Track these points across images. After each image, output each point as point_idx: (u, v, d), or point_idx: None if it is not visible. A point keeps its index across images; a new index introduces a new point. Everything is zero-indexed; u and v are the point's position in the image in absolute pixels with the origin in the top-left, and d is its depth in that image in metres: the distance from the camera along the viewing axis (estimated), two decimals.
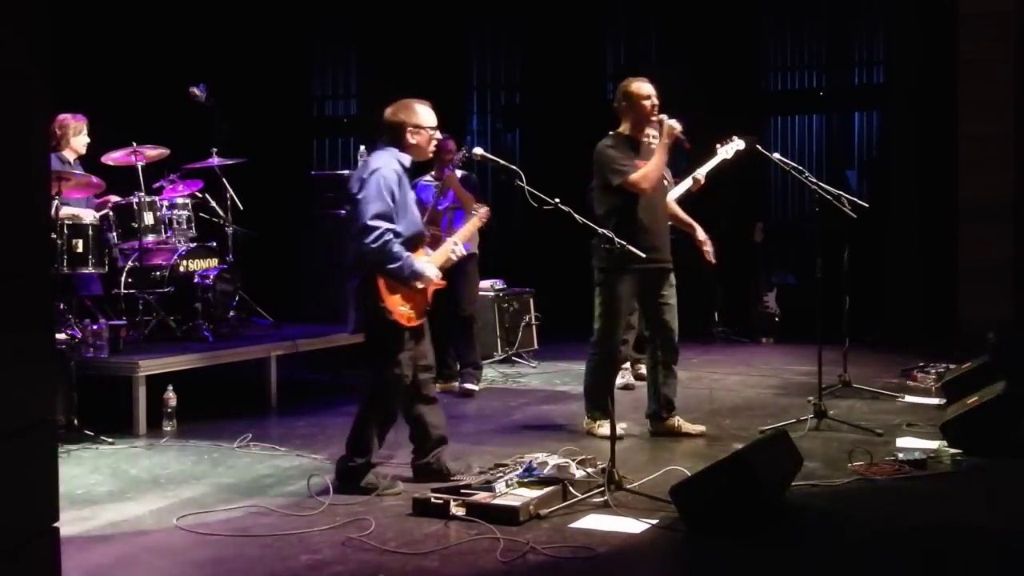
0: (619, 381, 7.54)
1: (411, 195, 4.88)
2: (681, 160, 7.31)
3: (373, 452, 4.81)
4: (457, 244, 5.16)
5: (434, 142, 4.96)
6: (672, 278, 5.99)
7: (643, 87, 5.94)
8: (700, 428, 5.99)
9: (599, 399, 5.90)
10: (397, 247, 4.65)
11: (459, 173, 7.45)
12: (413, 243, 4.83)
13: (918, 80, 9.99)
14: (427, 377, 4.99)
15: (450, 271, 7.40)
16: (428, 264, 4.84)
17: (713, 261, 6.31)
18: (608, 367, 5.80)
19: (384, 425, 4.84)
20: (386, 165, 4.72)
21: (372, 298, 4.68)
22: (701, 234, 6.31)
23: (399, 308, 4.73)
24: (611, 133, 6.00)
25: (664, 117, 5.85)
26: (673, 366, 6.02)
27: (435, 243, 5.36)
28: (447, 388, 7.44)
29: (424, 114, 4.86)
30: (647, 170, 5.79)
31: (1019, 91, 9.10)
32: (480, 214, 5.50)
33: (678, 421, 5.98)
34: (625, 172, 5.78)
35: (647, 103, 5.88)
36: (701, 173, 7.30)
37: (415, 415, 4.98)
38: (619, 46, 12.22)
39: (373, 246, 4.61)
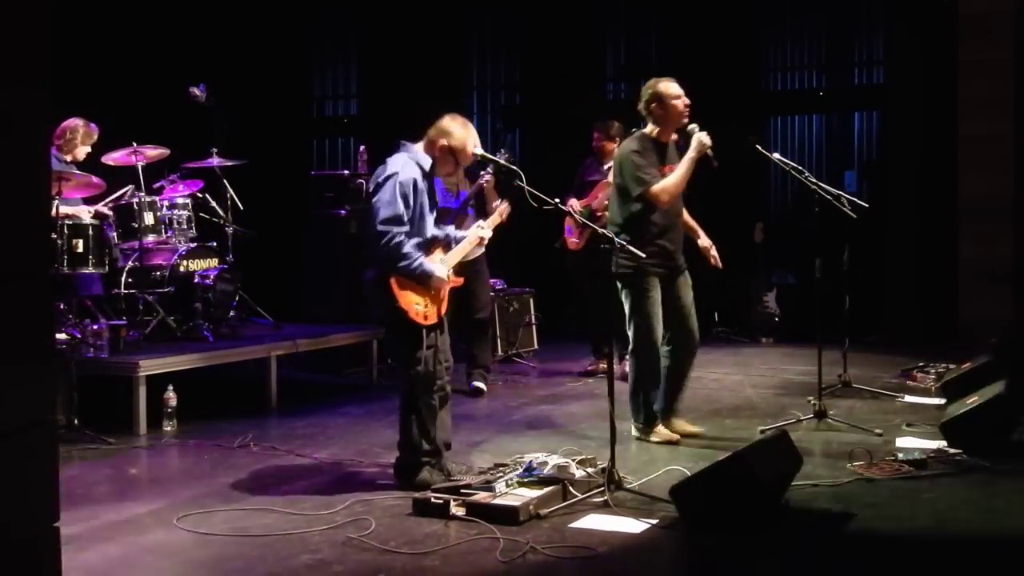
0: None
1: (426, 200, 4.89)
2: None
3: (421, 449, 4.83)
4: (484, 228, 5.23)
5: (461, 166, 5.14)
6: (689, 279, 5.88)
7: (672, 87, 5.76)
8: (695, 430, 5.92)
9: (647, 406, 5.79)
10: (407, 247, 4.71)
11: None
12: (428, 247, 4.88)
13: (918, 80, 9.99)
14: (445, 376, 5.01)
15: (464, 273, 7.45)
16: (439, 265, 4.88)
17: (720, 266, 6.12)
18: (653, 371, 5.74)
19: (425, 420, 4.83)
20: (403, 169, 4.78)
21: (387, 299, 4.74)
22: (705, 240, 6.18)
23: (414, 307, 4.77)
24: (638, 133, 5.84)
25: (695, 128, 5.68)
26: (689, 366, 5.91)
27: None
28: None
29: (472, 141, 4.99)
30: (669, 184, 5.62)
31: (1019, 91, 9.09)
32: (501, 209, 5.54)
33: (685, 424, 5.93)
34: (647, 183, 5.61)
35: (679, 103, 5.72)
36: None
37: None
38: (619, 46, 12.21)
39: (384, 249, 4.69)
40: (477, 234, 5.18)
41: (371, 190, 4.84)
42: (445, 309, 5.01)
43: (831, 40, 11.49)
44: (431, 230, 4.94)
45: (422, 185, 4.83)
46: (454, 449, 5.68)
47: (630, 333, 5.75)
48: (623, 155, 5.74)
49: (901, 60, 10.27)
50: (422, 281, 4.78)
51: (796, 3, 11.55)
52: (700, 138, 5.63)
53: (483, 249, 7.57)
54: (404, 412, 4.88)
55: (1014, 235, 9.04)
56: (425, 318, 4.81)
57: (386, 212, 4.70)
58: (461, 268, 7.42)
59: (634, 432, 5.83)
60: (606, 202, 7.51)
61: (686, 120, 5.70)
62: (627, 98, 12.04)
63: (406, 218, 4.73)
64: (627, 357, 5.90)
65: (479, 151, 7.23)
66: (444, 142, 4.92)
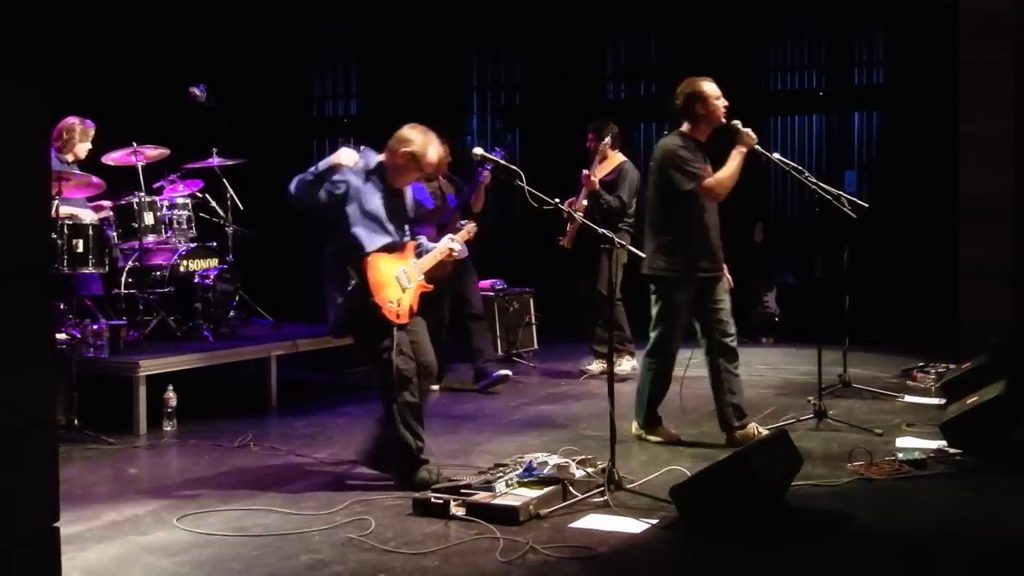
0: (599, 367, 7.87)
1: (379, 204, 4.93)
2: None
3: (413, 446, 4.82)
4: (455, 241, 5.24)
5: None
6: (726, 283, 5.76)
7: (714, 86, 5.61)
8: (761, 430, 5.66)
9: (650, 406, 5.77)
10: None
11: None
12: (390, 250, 4.91)
13: (918, 80, 9.99)
14: (424, 379, 5.00)
15: (456, 273, 7.47)
16: (339, 152, 5.00)
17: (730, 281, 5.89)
18: (667, 376, 5.73)
19: (408, 417, 4.82)
20: (351, 172, 4.93)
21: (362, 295, 4.77)
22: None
23: (388, 304, 4.80)
24: (676, 132, 5.66)
25: (739, 123, 5.58)
26: (736, 371, 5.80)
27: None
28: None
29: (433, 148, 5.10)
30: (723, 177, 5.49)
31: (1019, 91, 9.09)
32: (468, 228, 5.63)
33: (755, 428, 5.70)
34: (700, 176, 5.47)
35: (720, 102, 5.58)
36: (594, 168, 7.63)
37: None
38: (619, 46, 12.21)
39: (292, 191, 4.95)
40: (447, 246, 5.20)
41: None
42: (417, 309, 5.02)
43: (831, 40, 11.49)
44: (387, 235, 4.94)
45: (371, 189, 4.91)
46: (454, 449, 5.69)
47: (652, 335, 5.71)
48: (668, 153, 5.55)
49: (901, 60, 10.26)
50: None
51: (796, 3, 11.55)
52: (747, 132, 5.53)
53: (466, 252, 7.60)
54: (384, 411, 4.87)
55: (1014, 235, 9.04)
56: (397, 316, 4.83)
57: (328, 199, 4.87)
58: (454, 270, 7.48)
59: (633, 430, 5.83)
60: (584, 202, 7.64)
61: (724, 120, 5.59)
62: (627, 98, 12.09)
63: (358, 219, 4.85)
64: (642, 357, 5.87)
65: (479, 151, 7.26)
66: (405, 149, 4.97)
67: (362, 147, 9.36)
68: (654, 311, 5.69)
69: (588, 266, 7.88)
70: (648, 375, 5.77)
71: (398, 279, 4.90)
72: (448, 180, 7.76)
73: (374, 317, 4.78)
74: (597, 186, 7.68)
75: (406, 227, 5.12)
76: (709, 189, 5.49)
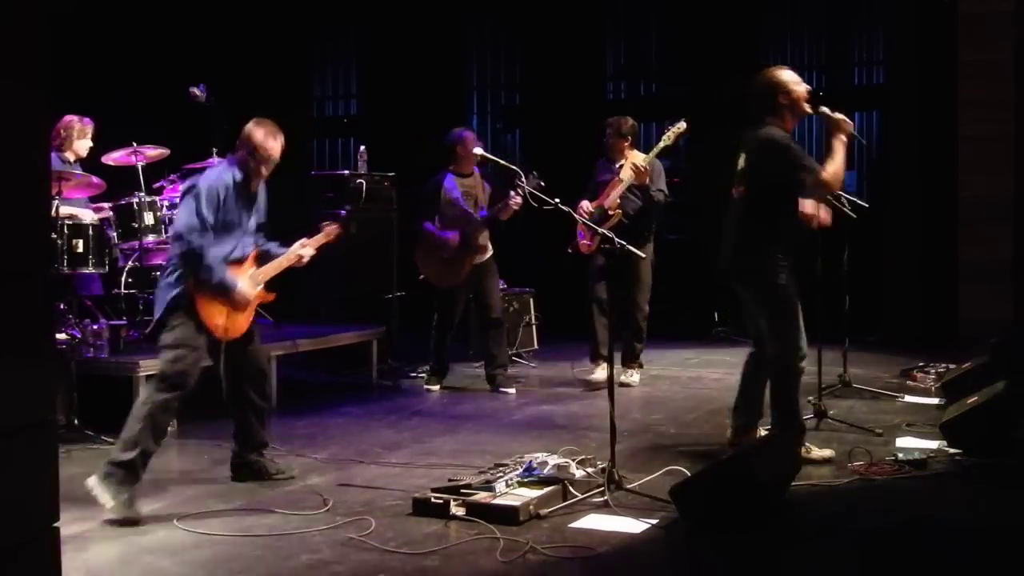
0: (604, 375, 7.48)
1: (240, 210, 4.88)
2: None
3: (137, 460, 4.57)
4: (308, 247, 5.20)
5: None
6: None
7: (796, 77, 5.29)
8: (828, 453, 5.32)
9: (798, 413, 5.27)
10: (208, 259, 4.67)
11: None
12: (241, 259, 4.87)
13: (918, 80, 9.99)
14: (257, 385, 5.03)
15: (477, 276, 7.46)
16: (242, 278, 4.85)
17: None
18: (798, 376, 5.26)
19: (156, 418, 4.67)
20: (214, 177, 4.82)
21: (192, 313, 4.71)
22: None
23: (215, 320, 4.75)
24: (771, 126, 5.21)
25: (827, 110, 5.25)
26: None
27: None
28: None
29: (273, 150, 5.09)
30: (837, 169, 5.11)
31: (1019, 91, 9.09)
32: (328, 230, 5.47)
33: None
34: (817, 170, 5.07)
35: (801, 88, 5.24)
36: (645, 161, 7.31)
37: (241, 420, 5.05)
38: (619, 46, 12.21)
39: (184, 258, 4.68)
40: (297, 252, 5.14)
41: (179, 197, 4.83)
42: (250, 323, 4.96)
43: (831, 40, 11.49)
44: (244, 241, 4.90)
45: (232, 193, 4.84)
46: (454, 449, 5.69)
47: (774, 340, 5.22)
48: (779, 145, 5.13)
49: (901, 60, 10.27)
50: (222, 294, 4.74)
51: (796, 3, 11.55)
52: (842, 119, 5.19)
53: (491, 251, 7.59)
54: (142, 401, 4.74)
55: (1014, 235, 9.04)
56: (225, 332, 4.80)
57: (186, 220, 4.70)
58: (474, 269, 7.47)
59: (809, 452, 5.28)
60: (618, 200, 7.44)
61: (810, 108, 5.29)
62: (627, 98, 12.09)
63: (209, 225, 4.71)
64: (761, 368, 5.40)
65: (479, 151, 7.25)
66: (245, 152, 4.95)
67: (362, 147, 9.37)
68: (771, 310, 5.23)
69: (619, 272, 7.24)
70: (780, 381, 5.23)
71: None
72: (484, 179, 7.64)
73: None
74: (647, 179, 7.29)
75: (253, 230, 5.03)
76: (827, 184, 5.11)
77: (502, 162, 6.81)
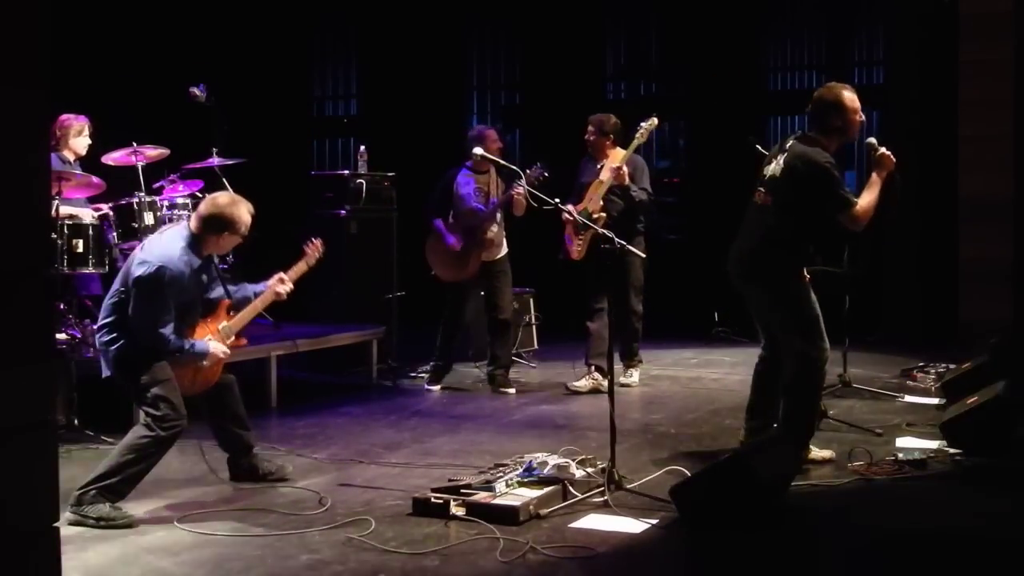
0: (587, 385, 7.37)
1: (193, 293, 4.73)
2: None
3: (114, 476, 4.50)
4: (286, 282, 5.12)
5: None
6: None
7: (854, 97, 5.14)
8: (828, 453, 5.31)
9: (813, 418, 5.26)
10: (175, 344, 4.58)
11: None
12: (194, 320, 4.78)
13: (918, 80, 9.99)
14: (241, 432, 5.03)
15: (489, 274, 7.46)
16: (210, 342, 4.79)
17: None
18: (822, 378, 5.24)
19: (148, 458, 4.58)
20: (172, 265, 4.56)
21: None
22: None
23: (183, 381, 4.69)
24: (817, 143, 5.10)
25: (873, 141, 5.25)
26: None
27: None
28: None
29: (247, 220, 4.79)
30: (870, 206, 5.03)
31: (1019, 91, 9.09)
32: (308, 258, 5.40)
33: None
34: (852, 203, 5.00)
35: (858, 118, 5.15)
36: (620, 160, 7.18)
37: (221, 438, 5.07)
38: (619, 46, 12.21)
39: (153, 344, 4.56)
40: (275, 290, 5.06)
41: (137, 271, 4.56)
42: (219, 376, 4.92)
43: (831, 40, 11.49)
44: (195, 310, 4.79)
45: (192, 276, 4.66)
46: (454, 449, 5.70)
47: (799, 340, 5.13)
48: (820, 167, 5.01)
49: (901, 60, 10.26)
50: (193, 362, 4.71)
51: (796, 3, 11.55)
52: (887, 154, 5.14)
53: (506, 249, 7.58)
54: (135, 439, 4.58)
55: (1014, 235, 9.04)
56: (193, 384, 4.77)
57: (155, 312, 4.53)
58: (484, 266, 7.46)
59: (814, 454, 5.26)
60: (601, 202, 7.24)
61: (856, 136, 5.23)
62: (627, 98, 12.08)
63: (171, 310, 4.58)
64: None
65: (479, 151, 7.26)
66: (226, 233, 4.73)
67: (362, 147, 9.37)
68: (792, 315, 5.17)
69: (611, 275, 6.97)
70: (802, 389, 5.15)
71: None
72: (502, 178, 7.59)
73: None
74: (626, 179, 7.14)
75: (215, 287, 4.93)
76: (858, 218, 5.02)
77: (502, 162, 6.81)
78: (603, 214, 7.18)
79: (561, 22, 11.67)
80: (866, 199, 5.04)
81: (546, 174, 6.86)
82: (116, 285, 4.69)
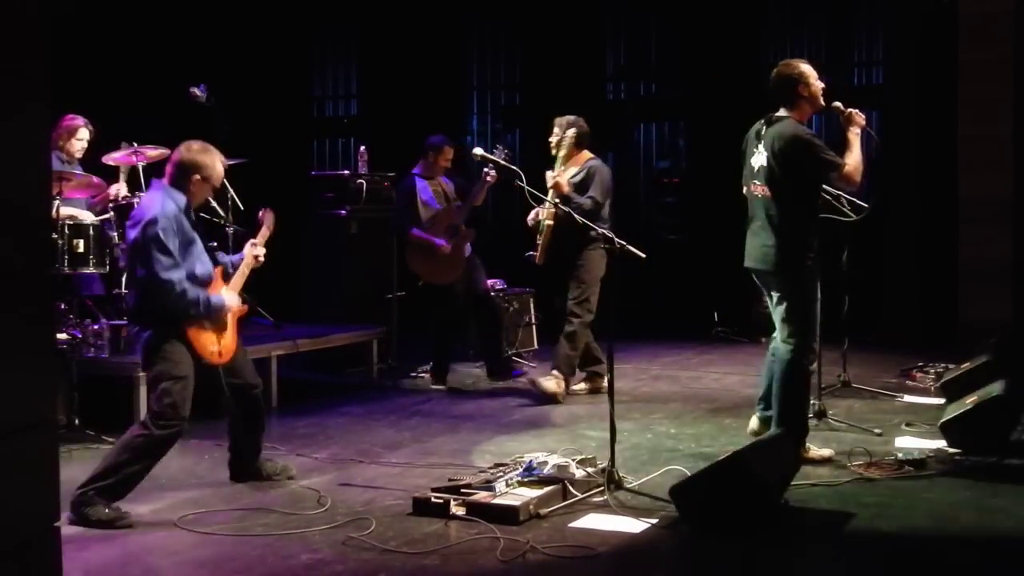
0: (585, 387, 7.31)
1: (193, 233, 4.75)
2: None
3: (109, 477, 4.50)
4: (257, 245, 5.18)
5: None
6: None
7: (813, 70, 5.26)
8: (828, 453, 5.32)
9: (803, 410, 5.32)
10: (192, 292, 4.59)
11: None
12: (204, 282, 4.77)
13: (918, 80, 9.99)
14: (254, 395, 5.01)
15: (464, 273, 7.57)
16: (227, 293, 4.83)
17: None
18: (808, 372, 5.31)
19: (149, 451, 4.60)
20: (163, 209, 4.61)
21: (175, 343, 4.63)
22: None
23: (209, 349, 4.71)
24: (788, 118, 5.21)
25: (839, 104, 5.30)
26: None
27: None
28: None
29: (219, 169, 4.86)
30: (858, 161, 5.14)
31: (1019, 91, 9.09)
32: (268, 223, 5.50)
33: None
34: (840, 163, 5.09)
35: (820, 84, 5.25)
36: (554, 177, 7.01)
37: (235, 432, 5.07)
38: (619, 46, 12.21)
39: (171, 300, 4.56)
40: (251, 253, 5.10)
41: (131, 235, 4.65)
42: (235, 339, 4.91)
43: (831, 40, 11.49)
44: (202, 266, 4.80)
45: (184, 220, 4.70)
46: (454, 449, 5.70)
47: (791, 322, 5.18)
48: (797, 138, 5.11)
49: (901, 60, 10.26)
50: (213, 316, 4.71)
51: (796, 3, 11.55)
52: (856, 112, 5.24)
53: (470, 249, 7.68)
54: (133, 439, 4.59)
55: (1014, 235, 9.04)
56: (220, 356, 4.77)
57: (163, 260, 4.54)
58: (457, 267, 7.54)
59: (811, 452, 5.26)
60: (551, 211, 6.87)
61: (824, 103, 5.28)
62: (627, 98, 12.09)
63: (179, 261, 4.60)
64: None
65: (479, 151, 7.28)
66: (196, 176, 4.77)
67: (362, 147, 9.37)
68: (785, 308, 5.21)
69: (572, 277, 7.12)
70: (793, 383, 5.21)
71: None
72: (449, 180, 7.80)
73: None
74: (566, 188, 6.90)
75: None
76: (850, 176, 5.12)
77: (501, 162, 6.83)
78: (550, 223, 7.03)
79: (561, 22, 11.68)
80: (851, 158, 5.15)
81: (507, 151, 7.19)
82: (126, 267, 4.72)
